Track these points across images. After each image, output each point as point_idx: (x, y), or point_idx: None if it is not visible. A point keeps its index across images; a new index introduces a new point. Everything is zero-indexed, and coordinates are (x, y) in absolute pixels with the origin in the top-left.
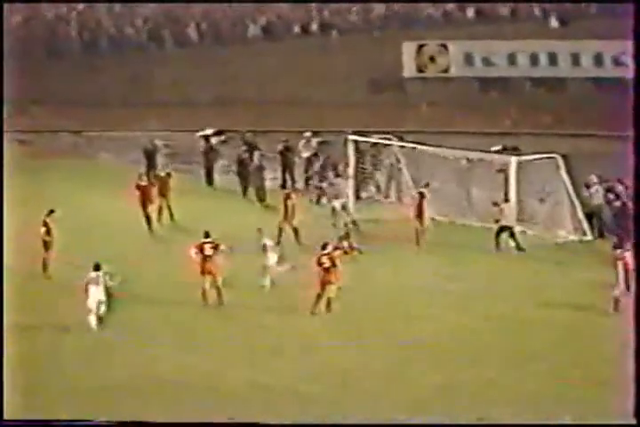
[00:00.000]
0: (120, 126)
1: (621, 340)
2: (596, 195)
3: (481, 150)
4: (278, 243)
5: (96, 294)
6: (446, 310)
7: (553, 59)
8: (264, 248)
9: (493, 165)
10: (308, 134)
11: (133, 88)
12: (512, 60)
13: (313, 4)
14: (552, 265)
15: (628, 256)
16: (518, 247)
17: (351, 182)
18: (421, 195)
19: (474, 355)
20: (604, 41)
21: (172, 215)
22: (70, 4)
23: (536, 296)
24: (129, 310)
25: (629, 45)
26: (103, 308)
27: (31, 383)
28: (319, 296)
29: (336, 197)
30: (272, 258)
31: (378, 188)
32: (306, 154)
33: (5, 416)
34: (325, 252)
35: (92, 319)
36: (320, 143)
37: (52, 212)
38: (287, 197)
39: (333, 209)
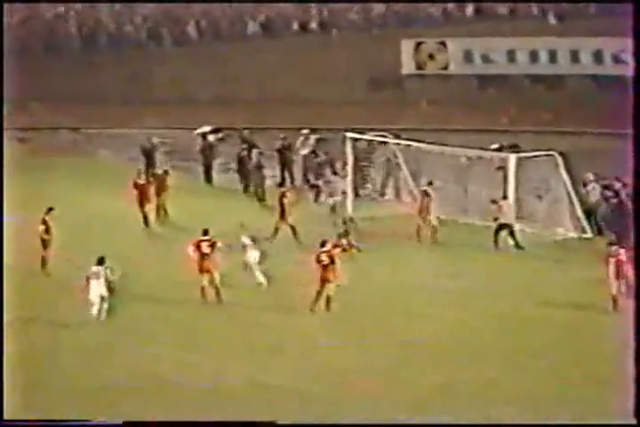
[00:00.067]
0: (119, 124)
1: (621, 338)
2: (593, 192)
3: (480, 148)
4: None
5: (97, 289)
6: (445, 308)
7: (552, 56)
8: (243, 247)
9: (493, 163)
10: (305, 132)
11: (132, 86)
12: (511, 57)
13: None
14: (551, 263)
15: (622, 253)
16: (517, 245)
17: (350, 180)
18: (425, 193)
19: (473, 354)
20: (604, 38)
21: (165, 213)
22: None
23: (535, 294)
24: (127, 308)
25: (629, 43)
26: (106, 304)
27: (31, 382)
28: (319, 294)
29: (331, 195)
30: (252, 256)
31: (376, 185)
32: (304, 151)
33: (5, 416)
34: (324, 249)
35: (94, 312)
36: (318, 141)
37: (50, 210)
38: (283, 195)
39: (331, 207)
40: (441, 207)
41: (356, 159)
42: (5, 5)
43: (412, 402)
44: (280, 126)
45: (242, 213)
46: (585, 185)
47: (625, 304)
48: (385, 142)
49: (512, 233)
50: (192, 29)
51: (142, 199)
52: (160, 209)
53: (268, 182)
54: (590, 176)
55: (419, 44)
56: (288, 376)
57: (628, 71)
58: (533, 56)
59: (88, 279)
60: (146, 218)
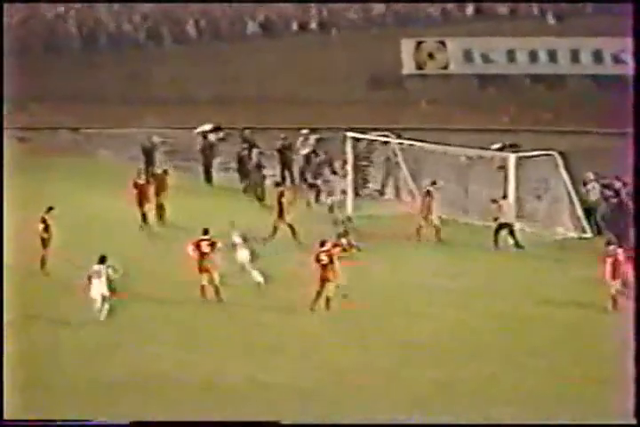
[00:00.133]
0: (119, 124)
1: (621, 338)
2: (593, 192)
3: (480, 147)
4: (266, 240)
5: (99, 287)
6: (445, 307)
7: (552, 56)
8: (233, 246)
9: (493, 162)
10: (305, 131)
11: (132, 85)
12: (511, 56)
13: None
14: (551, 262)
15: (620, 253)
16: (517, 245)
17: (350, 179)
18: (428, 193)
19: (473, 353)
20: (604, 38)
21: (164, 212)
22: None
23: (535, 294)
24: (128, 307)
25: (629, 43)
26: (107, 304)
27: (31, 382)
28: (319, 293)
29: (329, 195)
30: (242, 255)
31: (376, 185)
32: (304, 151)
33: (5, 416)
34: (324, 249)
35: (95, 311)
36: (318, 140)
37: (50, 209)
38: (281, 194)
39: (330, 206)
40: (441, 207)
41: (356, 159)
42: (5, 5)
43: (412, 401)
44: (280, 126)
45: (241, 212)
46: (585, 184)
47: (624, 304)
48: (385, 142)
49: (512, 232)
50: (192, 29)
51: (142, 199)
52: (159, 209)
53: (268, 182)
54: (590, 175)
55: (419, 43)
56: (288, 375)
57: (628, 71)
58: (533, 56)
59: (90, 278)
60: (145, 217)
